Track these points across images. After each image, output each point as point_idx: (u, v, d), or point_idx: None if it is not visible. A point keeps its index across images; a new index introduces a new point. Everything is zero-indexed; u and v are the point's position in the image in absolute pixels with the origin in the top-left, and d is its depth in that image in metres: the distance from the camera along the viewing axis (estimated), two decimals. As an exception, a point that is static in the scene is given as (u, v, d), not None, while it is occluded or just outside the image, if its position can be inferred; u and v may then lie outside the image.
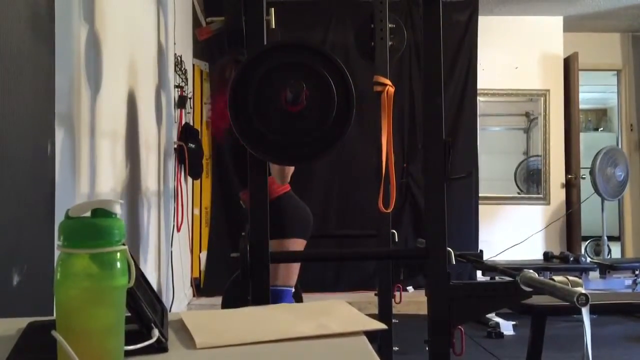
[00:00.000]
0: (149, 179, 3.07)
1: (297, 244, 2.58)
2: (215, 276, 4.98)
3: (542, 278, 1.85)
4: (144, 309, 0.79)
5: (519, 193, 6.30)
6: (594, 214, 6.35)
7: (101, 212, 0.69)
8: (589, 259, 5.05)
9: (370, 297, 3.59)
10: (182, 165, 4.09)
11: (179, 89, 4.10)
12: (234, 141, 2.27)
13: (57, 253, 0.69)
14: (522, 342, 3.24)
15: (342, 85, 1.75)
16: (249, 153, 1.81)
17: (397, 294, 2.96)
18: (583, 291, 1.66)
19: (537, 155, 6.10)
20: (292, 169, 2.57)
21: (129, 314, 0.75)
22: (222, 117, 2.56)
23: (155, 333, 0.77)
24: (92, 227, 0.68)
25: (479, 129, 5.68)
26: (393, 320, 2.94)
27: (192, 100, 4.70)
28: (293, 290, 2.65)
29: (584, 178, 5.71)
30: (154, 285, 3.05)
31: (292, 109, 1.72)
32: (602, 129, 10.02)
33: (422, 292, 2.03)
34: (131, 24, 2.74)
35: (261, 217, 1.83)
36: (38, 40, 1.47)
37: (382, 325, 0.90)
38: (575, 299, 1.63)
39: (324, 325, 0.88)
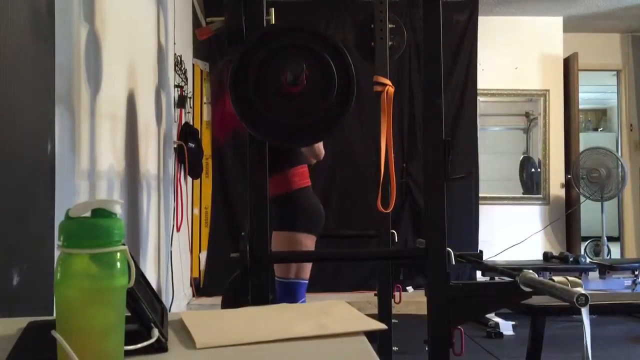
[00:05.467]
0: (149, 179, 3.07)
1: (308, 239, 2.59)
2: (215, 276, 4.97)
3: (541, 278, 1.85)
4: (144, 309, 0.79)
5: (523, 193, 6.29)
6: (594, 214, 6.35)
7: (101, 212, 0.69)
8: (588, 259, 5.04)
9: (370, 297, 3.59)
10: (182, 165, 4.09)
11: (179, 89, 4.10)
12: None
13: (57, 253, 0.69)
14: (522, 342, 3.24)
15: (342, 66, 1.76)
16: (249, 151, 1.81)
17: (396, 294, 2.96)
18: (582, 291, 1.66)
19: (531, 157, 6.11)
20: (320, 144, 2.58)
21: (129, 314, 0.75)
22: (226, 120, 2.57)
23: (155, 333, 0.77)
24: (92, 227, 0.68)
25: (479, 129, 5.67)
26: (393, 320, 2.94)
27: (192, 99, 4.70)
28: (307, 283, 2.65)
29: (583, 178, 5.72)
30: (154, 285, 3.05)
31: (293, 90, 1.73)
32: (602, 129, 10.02)
33: (422, 292, 2.03)
34: (131, 24, 2.74)
35: (261, 216, 1.83)
36: (38, 40, 1.47)
37: (381, 326, 0.90)
38: (574, 300, 1.63)
39: (323, 326, 0.88)
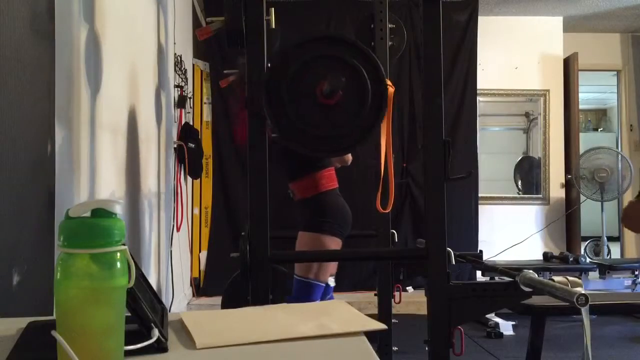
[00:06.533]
0: (149, 179, 3.07)
1: (333, 242, 2.60)
2: (215, 276, 4.97)
3: (541, 278, 1.85)
4: (144, 309, 0.79)
5: (518, 193, 6.29)
6: (594, 214, 6.35)
7: (101, 212, 0.69)
8: (588, 259, 5.04)
9: (370, 297, 3.59)
10: (182, 165, 4.09)
11: (179, 89, 4.10)
12: None
13: (57, 253, 0.69)
14: (522, 342, 3.24)
15: (375, 78, 1.78)
16: (249, 152, 1.81)
17: (396, 294, 2.96)
18: (582, 291, 1.66)
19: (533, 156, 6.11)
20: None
21: (129, 314, 0.75)
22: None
23: (155, 333, 0.77)
24: (92, 227, 0.68)
25: (479, 129, 5.67)
26: (393, 320, 2.94)
27: (192, 100, 4.70)
28: (324, 286, 2.66)
29: (584, 178, 5.72)
30: (154, 285, 3.05)
31: (328, 102, 1.74)
32: (601, 129, 10.01)
33: (422, 292, 2.03)
34: (131, 24, 2.74)
35: (261, 216, 1.83)
36: (38, 40, 1.47)
37: (382, 326, 0.90)
38: (574, 300, 1.63)
39: (324, 326, 0.88)
